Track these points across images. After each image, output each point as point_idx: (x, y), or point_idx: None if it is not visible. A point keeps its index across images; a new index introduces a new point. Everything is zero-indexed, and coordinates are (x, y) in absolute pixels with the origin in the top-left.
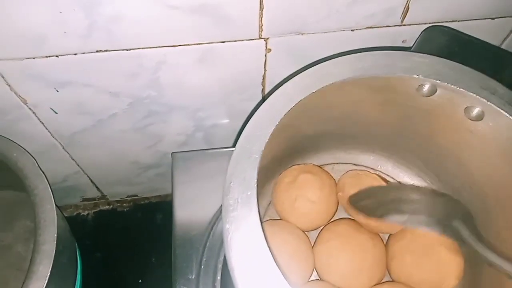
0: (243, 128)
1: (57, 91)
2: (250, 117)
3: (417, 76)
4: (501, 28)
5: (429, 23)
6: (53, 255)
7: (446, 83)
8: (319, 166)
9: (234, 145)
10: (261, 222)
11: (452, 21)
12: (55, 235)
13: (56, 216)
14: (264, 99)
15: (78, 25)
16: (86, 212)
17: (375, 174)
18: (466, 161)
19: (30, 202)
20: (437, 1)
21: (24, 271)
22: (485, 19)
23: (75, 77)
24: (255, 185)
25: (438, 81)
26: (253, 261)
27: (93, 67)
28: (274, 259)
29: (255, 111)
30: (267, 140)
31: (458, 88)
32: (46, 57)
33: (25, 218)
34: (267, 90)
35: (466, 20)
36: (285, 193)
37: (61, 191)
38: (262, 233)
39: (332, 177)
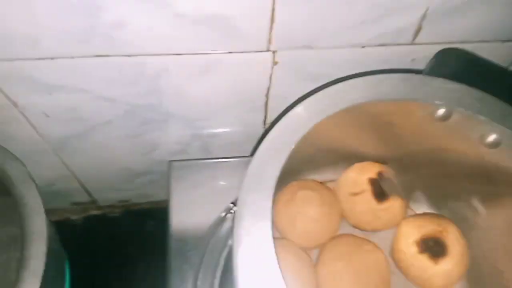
0: (254, 151)
1: (50, 94)
2: (261, 140)
3: (437, 102)
4: (510, 52)
5: (439, 43)
6: (42, 272)
7: (462, 109)
8: (319, 182)
9: (233, 156)
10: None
11: (462, 42)
12: (45, 251)
13: (46, 231)
14: (267, 112)
15: (77, 28)
16: (75, 217)
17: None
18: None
19: (17, 208)
20: (448, 23)
21: (5, 282)
22: (495, 41)
23: (71, 81)
24: (270, 215)
25: (455, 107)
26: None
27: (90, 72)
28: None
29: (266, 134)
30: (281, 167)
31: (474, 114)
32: (40, 59)
33: (10, 225)
34: (270, 102)
35: (476, 42)
36: (284, 211)
37: (49, 195)
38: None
39: (333, 193)
